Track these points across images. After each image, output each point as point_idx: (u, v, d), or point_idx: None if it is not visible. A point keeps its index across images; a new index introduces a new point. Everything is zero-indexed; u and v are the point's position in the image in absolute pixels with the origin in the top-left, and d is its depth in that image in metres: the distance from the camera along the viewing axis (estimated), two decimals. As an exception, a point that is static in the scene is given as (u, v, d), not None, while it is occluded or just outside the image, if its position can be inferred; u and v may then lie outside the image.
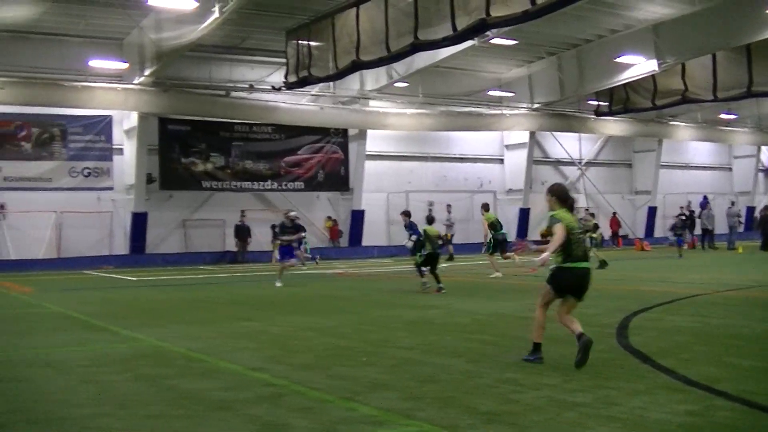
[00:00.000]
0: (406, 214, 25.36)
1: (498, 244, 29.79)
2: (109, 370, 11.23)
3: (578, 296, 11.04)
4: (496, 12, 23.37)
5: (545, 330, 11.16)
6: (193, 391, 9.67)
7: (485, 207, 30.72)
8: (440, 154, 52.05)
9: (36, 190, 39.77)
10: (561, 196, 11.30)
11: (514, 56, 46.63)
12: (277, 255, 28.04)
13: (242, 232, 43.20)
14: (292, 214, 28.42)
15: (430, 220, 24.04)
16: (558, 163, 56.55)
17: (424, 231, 23.13)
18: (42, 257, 39.20)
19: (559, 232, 10.76)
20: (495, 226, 29.76)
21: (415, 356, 11.80)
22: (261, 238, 44.11)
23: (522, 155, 52.92)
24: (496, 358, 11.49)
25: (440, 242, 24.40)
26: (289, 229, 27.09)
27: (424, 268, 23.34)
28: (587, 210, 33.48)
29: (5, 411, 8.94)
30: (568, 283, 10.99)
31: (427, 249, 22.86)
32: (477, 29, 25.21)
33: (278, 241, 28.37)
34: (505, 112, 49.91)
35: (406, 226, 25.50)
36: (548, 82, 48.58)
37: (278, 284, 25.88)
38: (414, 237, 24.22)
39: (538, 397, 8.94)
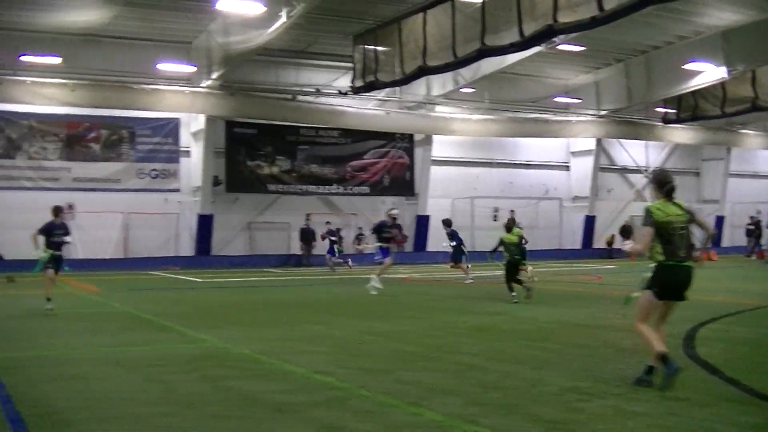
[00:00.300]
0: (446, 223, 25.37)
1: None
2: (174, 369, 11.33)
3: (679, 298, 10.08)
4: (564, 18, 23.25)
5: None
6: (256, 393, 9.73)
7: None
8: (506, 161, 51.89)
9: (104, 191, 40.23)
10: (658, 181, 10.27)
11: (581, 62, 46.31)
12: (378, 255, 26.67)
13: (307, 236, 43.34)
14: (395, 212, 27.68)
15: (509, 227, 22.99)
16: (624, 170, 56.02)
17: (501, 239, 22.51)
18: (109, 257, 39.63)
19: (643, 238, 9.95)
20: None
21: (479, 362, 11.77)
22: (325, 242, 44.29)
23: (588, 162, 52.59)
24: (560, 366, 11.42)
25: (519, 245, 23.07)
26: (388, 229, 26.17)
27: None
28: None
29: (74, 408, 9.05)
30: (671, 284, 9.96)
31: (505, 257, 22.48)
32: (544, 35, 25.09)
33: (374, 243, 26.95)
34: (571, 118, 49.65)
35: (447, 234, 25.58)
36: (615, 88, 48.18)
37: (377, 286, 24.63)
38: (453, 243, 24.47)
39: (603, 406, 8.87)
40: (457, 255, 30.06)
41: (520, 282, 21.93)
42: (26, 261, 37.06)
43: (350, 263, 37.60)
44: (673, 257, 9.85)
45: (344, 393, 9.68)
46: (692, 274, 9.97)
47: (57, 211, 20.90)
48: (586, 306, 20.25)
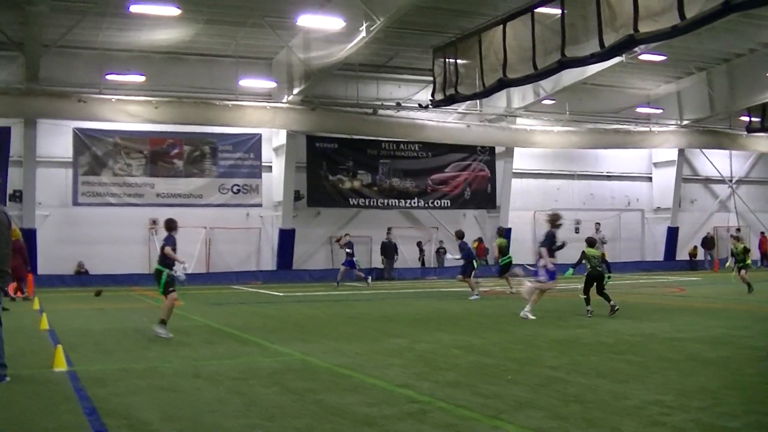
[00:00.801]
0: (458, 234, 25.61)
1: (502, 269, 31.04)
2: (257, 382, 11.43)
3: None
4: (645, 28, 23.02)
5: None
6: (339, 406, 9.77)
7: (500, 232, 32.81)
8: (587, 172, 51.57)
9: (187, 206, 40.74)
10: None
11: (663, 72, 45.89)
12: (543, 274, 21.32)
13: (389, 250, 43.44)
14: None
15: (591, 242, 23.07)
16: (708, 180, 55.30)
17: (583, 252, 22.28)
18: (191, 271, 40.03)
19: None
20: (503, 250, 31.06)
21: (560, 375, 11.70)
22: (407, 256, 44.40)
23: (671, 173, 52.02)
24: (643, 379, 11.32)
25: (602, 262, 23.09)
26: (554, 242, 22.05)
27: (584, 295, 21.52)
28: (737, 231, 32.66)
29: (159, 419, 9.18)
30: None
31: (587, 268, 22.17)
32: (625, 45, 24.85)
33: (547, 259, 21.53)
34: (653, 129, 49.16)
35: (459, 247, 25.76)
36: (698, 98, 47.70)
37: (529, 316, 20.62)
38: (458, 257, 24.94)
39: (686, 420, 8.77)
40: (465, 268, 29.75)
41: (606, 297, 21.48)
42: (110, 275, 37.96)
43: (369, 280, 37.45)
44: None
45: (425, 406, 9.70)
46: None
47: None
48: (669, 318, 20.03)
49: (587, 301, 21.35)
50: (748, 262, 29.47)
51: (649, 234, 53.11)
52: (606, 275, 23.20)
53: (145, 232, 40.63)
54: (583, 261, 22.38)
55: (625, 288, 32.64)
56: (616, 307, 20.91)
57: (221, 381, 11.59)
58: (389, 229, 43.74)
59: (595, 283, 21.74)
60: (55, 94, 36.99)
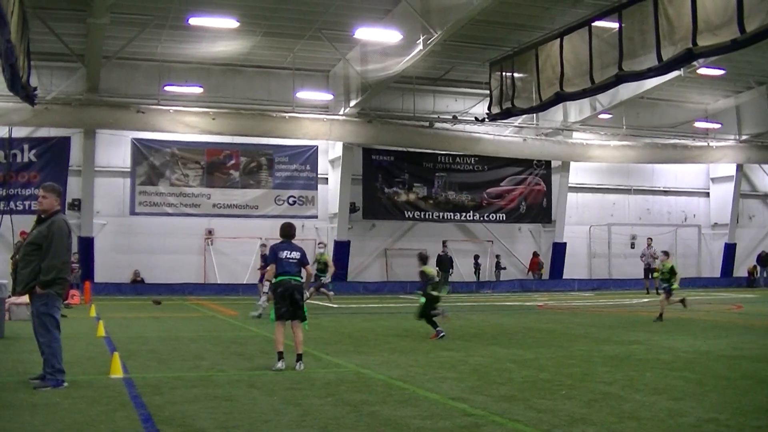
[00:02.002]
0: (420, 258, 21.53)
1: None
2: (311, 393, 11.47)
3: None
4: (703, 41, 22.85)
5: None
6: (393, 418, 9.78)
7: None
8: (644, 187, 51.21)
9: (242, 217, 41.08)
10: None
11: (722, 86, 45.49)
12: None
13: (444, 263, 43.38)
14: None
15: (423, 258, 21.40)
16: (767, 196, 54.62)
17: (422, 271, 20.79)
18: (246, 282, 40.24)
19: None
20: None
21: (615, 391, 11.64)
22: (462, 269, 44.36)
23: (729, 188, 51.48)
24: (699, 396, 11.22)
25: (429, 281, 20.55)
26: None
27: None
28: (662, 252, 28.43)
29: (215, 428, 9.25)
30: None
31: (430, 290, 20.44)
32: (683, 59, 24.68)
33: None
34: (711, 144, 48.68)
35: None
36: (757, 112, 47.21)
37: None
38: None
39: (743, 438, 8.70)
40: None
41: (433, 324, 20.19)
42: (166, 284, 38.28)
43: (330, 294, 32.57)
44: None
45: (479, 420, 9.68)
46: None
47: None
48: (726, 336, 19.84)
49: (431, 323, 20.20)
50: (675, 286, 25.55)
51: (705, 250, 52.61)
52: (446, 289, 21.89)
53: (200, 242, 40.94)
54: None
55: (682, 304, 32.35)
56: (441, 334, 19.52)
57: (276, 391, 11.64)
58: (444, 242, 43.69)
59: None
60: (115, 104, 37.40)
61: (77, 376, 12.57)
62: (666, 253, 27.06)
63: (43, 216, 12.13)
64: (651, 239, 43.51)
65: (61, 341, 11.93)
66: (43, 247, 11.73)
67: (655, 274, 28.88)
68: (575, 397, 11.13)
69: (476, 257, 45.83)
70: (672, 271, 25.59)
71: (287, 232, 14.98)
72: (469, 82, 42.67)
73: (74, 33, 33.34)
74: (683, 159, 48.72)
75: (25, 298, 13.85)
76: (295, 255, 14.45)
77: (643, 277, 42.34)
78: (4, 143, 37.67)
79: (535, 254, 46.69)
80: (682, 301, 25.79)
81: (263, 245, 35.23)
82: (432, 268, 23.92)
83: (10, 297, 20.42)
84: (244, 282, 40.17)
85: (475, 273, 45.92)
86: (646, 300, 35.58)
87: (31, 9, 28.58)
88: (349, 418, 9.81)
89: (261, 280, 31.86)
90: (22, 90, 27.80)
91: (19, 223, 30.98)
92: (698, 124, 48.65)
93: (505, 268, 46.12)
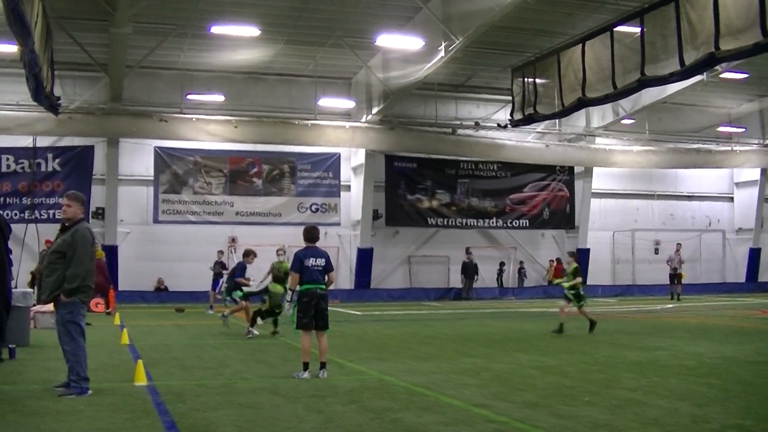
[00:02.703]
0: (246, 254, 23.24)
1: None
2: (334, 401, 11.48)
3: None
4: (726, 45, 22.77)
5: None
6: (416, 425, 9.78)
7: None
8: (667, 192, 50.98)
9: (265, 225, 41.10)
10: None
11: (745, 90, 45.24)
12: None
13: (469, 270, 43.38)
14: None
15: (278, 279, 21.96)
16: (792, 201, 54.32)
17: (266, 288, 22.78)
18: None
19: None
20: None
21: (638, 397, 11.60)
22: (484, 275, 44.33)
23: (753, 193, 51.16)
24: (723, 403, 11.17)
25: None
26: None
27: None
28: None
29: (236, 437, 9.28)
30: None
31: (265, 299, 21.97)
32: (705, 64, 24.60)
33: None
34: (735, 148, 48.45)
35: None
36: (782, 116, 47.03)
37: None
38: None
39: (768, 444, 8.66)
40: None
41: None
42: (189, 292, 38.35)
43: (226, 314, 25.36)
44: None
45: (502, 426, 9.68)
46: None
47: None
48: (751, 342, 19.76)
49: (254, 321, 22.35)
50: (570, 293, 23.35)
51: (730, 255, 52.32)
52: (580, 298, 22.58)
53: (224, 249, 41.01)
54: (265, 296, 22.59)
55: (706, 310, 32.24)
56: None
57: (299, 398, 11.66)
58: (468, 249, 43.65)
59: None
60: (138, 113, 37.57)
61: (101, 383, 12.63)
62: (572, 254, 24.97)
63: (66, 224, 12.21)
64: (680, 245, 43.04)
65: (86, 349, 12.00)
66: (67, 256, 11.85)
67: (556, 281, 28.00)
68: (598, 404, 11.10)
69: (501, 264, 45.75)
70: (575, 273, 23.37)
71: (312, 235, 14.49)
72: (491, 88, 42.64)
73: (97, 43, 33.49)
74: (707, 164, 48.46)
75: (50, 307, 13.92)
76: (321, 262, 14.08)
77: (668, 282, 41.95)
78: (29, 152, 37.93)
79: (559, 261, 46.50)
80: (591, 324, 22.76)
81: (220, 251, 35.18)
82: None
83: (34, 305, 20.51)
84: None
85: (497, 280, 45.82)
86: (670, 306, 35.47)
87: (55, 19, 28.76)
88: (372, 425, 9.82)
89: (215, 287, 32.70)
90: (45, 100, 27.97)
91: (44, 231, 31.12)
92: (722, 129, 48.41)
93: (526, 277, 46.02)
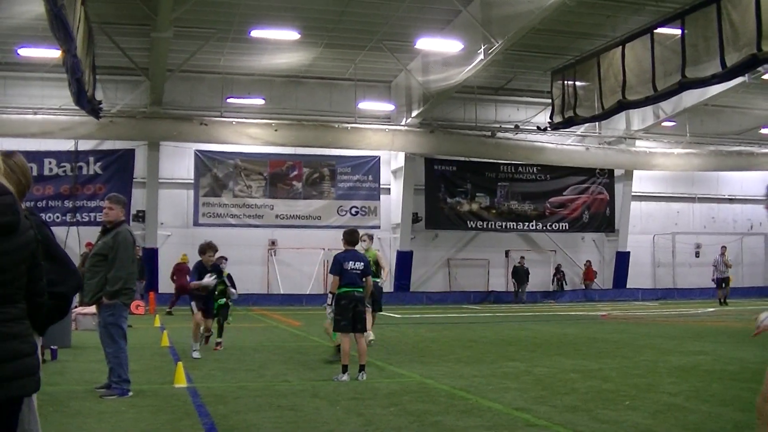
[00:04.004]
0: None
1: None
2: (374, 403, 11.48)
3: None
4: (769, 47, 22.62)
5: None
6: (457, 428, 9.76)
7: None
8: (708, 195, 50.62)
9: (305, 228, 41.24)
10: None
11: (788, 92, 44.87)
12: None
13: (520, 274, 43.33)
14: None
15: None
16: (836, 204, 53.75)
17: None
18: (309, 292, 40.38)
19: None
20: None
21: (680, 402, 11.52)
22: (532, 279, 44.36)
23: (796, 196, 50.65)
24: (743, 400, 11.08)
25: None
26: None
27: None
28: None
29: (277, 440, 9.29)
30: None
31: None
32: (748, 65, 24.41)
33: None
34: (777, 150, 48.06)
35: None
36: (826, 118, 46.54)
37: None
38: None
39: (812, 449, 8.55)
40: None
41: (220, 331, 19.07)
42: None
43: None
44: None
45: (542, 430, 9.65)
46: None
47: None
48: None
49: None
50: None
51: (771, 259, 51.96)
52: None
53: (264, 252, 41.17)
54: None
55: (749, 314, 31.97)
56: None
57: (339, 401, 11.67)
58: (515, 254, 43.64)
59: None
60: (178, 117, 37.82)
61: (142, 385, 12.70)
62: (370, 237, 20.16)
63: (108, 227, 12.29)
64: (725, 247, 42.43)
65: (127, 351, 12.07)
66: (108, 258, 11.94)
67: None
68: (639, 408, 11.03)
69: (558, 266, 45.56)
70: (377, 264, 19.44)
71: (354, 238, 14.56)
72: (530, 91, 42.54)
73: (138, 47, 33.72)
74: (749, 166, 48.05)
75: (92, 308, 13.99)
76: (359, 266, 14.15)
77: (715, 287, 41.13)
78: (71, 156, 38.24)
79: (589, 263, 46.26)
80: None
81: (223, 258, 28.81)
82: None
83: (76, 307, 20.64)
84: (308, 292, 40.32)
85: (557, 283, 45.60)
86: (712, 309, 35.23)
87: (97, 24, 28.98)
88: (412, 428, 9.81)
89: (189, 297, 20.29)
90: (87, 104, 28.21)
91: (86, 234, 31.38)
92: (764, 131, 47.98)
93: (563, 272, 45.80)
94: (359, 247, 15.62)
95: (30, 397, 5.01)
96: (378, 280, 19.12)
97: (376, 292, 18.65)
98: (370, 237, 19.93)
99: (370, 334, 18.03)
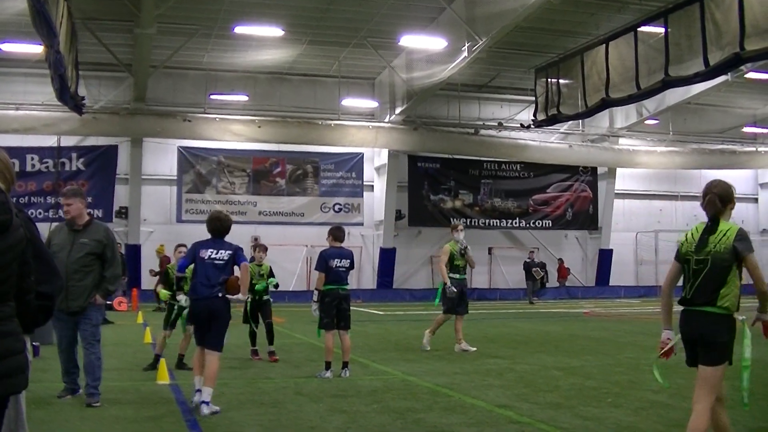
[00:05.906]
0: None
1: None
2: (357, 401, 11.50)
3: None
4: (751, 45, 22.64)
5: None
6: (439, 425, 9.79)
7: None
8: (691, 193, 50.60)
9: (288, 225, 41.20)
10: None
11: (771, 91, 45.02)
12: None
13: (530, 270, 43.21)
14: None
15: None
16: (817, 202, 53.99)
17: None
18: (293, 289, 40.33)
19: None
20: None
21: (663, 399, 11.56)
22: (508, 277, 44.26)
23: (778, 194, 50.98)
24: (751, 404, 11.11)
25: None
26: None
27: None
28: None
29: (260, 437, 9.30)
30: None
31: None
32: (730, 64, 24.47)
33: None
34: (759, 149, 48.19)
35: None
36: (808, 117, 46.75)
37: None
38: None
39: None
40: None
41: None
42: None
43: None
44: None
45: (525, 427, 9.68)
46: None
47: None
48: (776, 343, 19.65)
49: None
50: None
51: (758, 257, 51.95)
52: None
53: (247, 249, 40.84)
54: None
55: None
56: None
57: (322, 398, 11.69)
58: (531, 251, 43.64)
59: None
60: (162, 113, 37.70)
61: (125, 382, 12.70)
62: (262, 246, 19.89)
63: (79, 227, 11.44)
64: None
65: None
66: (104, 256, 11.42)
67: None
68: (622, 405, 11.08)
69: (542, 265, 45.50)
70: (271, 274, 18.79)
71: (340, 235, 14.51)
72: (514, 88, 42.58)
73: (122, 43, 33.63)
74: (731, 165, 48.15)
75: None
76: (345, 263, 14.15)
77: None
78: (53, 152, 38.08)
79: (561, 260, 46.20)
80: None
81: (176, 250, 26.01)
82: None
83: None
84: (291, 289, 40.26)
85: (537, 281, 45.61)
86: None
87: (80, 20, 28.87)
88: (395, 426, 9.83)
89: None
90: (70, 100, 28.07)
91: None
92: (746, 129, 48.17)
93: (547, 280, 45.76)
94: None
95: (17, 395, 5.00)
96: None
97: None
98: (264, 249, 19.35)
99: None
